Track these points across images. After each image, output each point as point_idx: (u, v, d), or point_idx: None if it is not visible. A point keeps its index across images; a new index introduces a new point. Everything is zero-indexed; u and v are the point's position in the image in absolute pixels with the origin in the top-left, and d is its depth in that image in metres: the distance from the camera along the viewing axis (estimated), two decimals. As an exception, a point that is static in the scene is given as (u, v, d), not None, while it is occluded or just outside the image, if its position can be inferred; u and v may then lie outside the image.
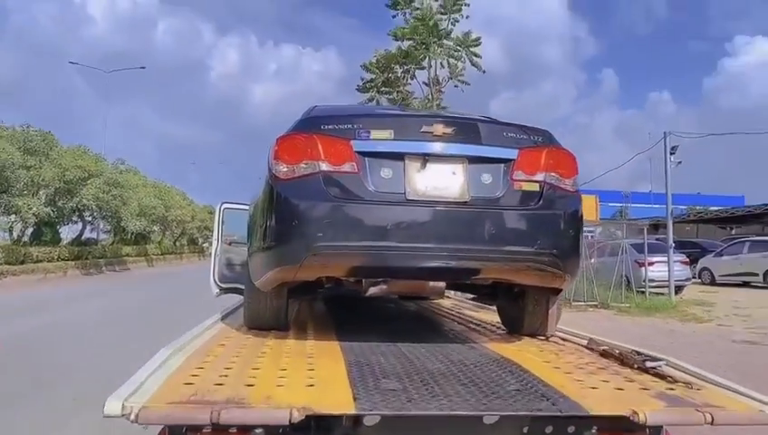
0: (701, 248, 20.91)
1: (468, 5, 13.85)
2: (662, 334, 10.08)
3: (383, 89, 14.62)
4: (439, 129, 2.72)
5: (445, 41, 13.77)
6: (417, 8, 13.83)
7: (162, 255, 40.06)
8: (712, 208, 36.09)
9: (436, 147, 2.72)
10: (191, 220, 45.89)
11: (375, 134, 2.72)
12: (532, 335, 3.38)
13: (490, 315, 4.24)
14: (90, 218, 29.96)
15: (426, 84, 14.49)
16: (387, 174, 2.71)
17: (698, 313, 12.41)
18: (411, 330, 3.60)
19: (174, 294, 15.59)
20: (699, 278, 18.43)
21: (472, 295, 3.82)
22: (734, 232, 31.65)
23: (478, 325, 3.85)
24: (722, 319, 11.76)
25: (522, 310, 3.36)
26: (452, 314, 4.30)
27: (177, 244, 48.72)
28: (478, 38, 13.74)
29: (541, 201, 2.79)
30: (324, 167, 2.69)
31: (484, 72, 13.90)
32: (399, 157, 2.72)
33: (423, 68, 14.32)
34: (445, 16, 13.84)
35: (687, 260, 16.07)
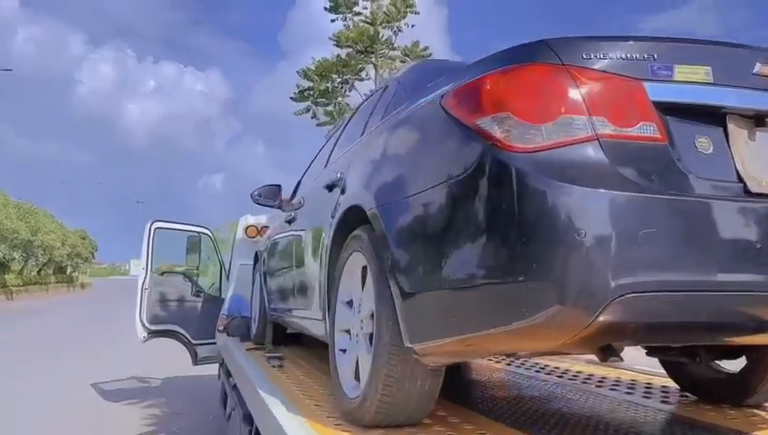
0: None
1: (418, 13, 12.96)
2: None
3: (319, 99, 13.23)
4: (773, 69, 1.53)
5: (390, 51, 12.78)
6: (359, 13, 12.77)
7: (24, 286, 34.67)
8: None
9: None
10: (60, 246, 40.52)
11: (681, 72, 1.47)
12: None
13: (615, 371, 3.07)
14: (-67, 244, 24.95)
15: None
16: (703, 146, 1.47)
17: None
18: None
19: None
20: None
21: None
22: None
23: (650, 389, 2.64)
24: None
25: (752, 372, 2.24)
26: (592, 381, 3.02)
27: (42, 273, 42.74)
28: (426, 48, 12.89)
29: None
30: (602, 128, 1.39)
31: (432, 85, 12.96)
32: (719, 116, 1.50)
33: (362, 79, 13.21)
34: (389, 24, 12.86)
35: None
